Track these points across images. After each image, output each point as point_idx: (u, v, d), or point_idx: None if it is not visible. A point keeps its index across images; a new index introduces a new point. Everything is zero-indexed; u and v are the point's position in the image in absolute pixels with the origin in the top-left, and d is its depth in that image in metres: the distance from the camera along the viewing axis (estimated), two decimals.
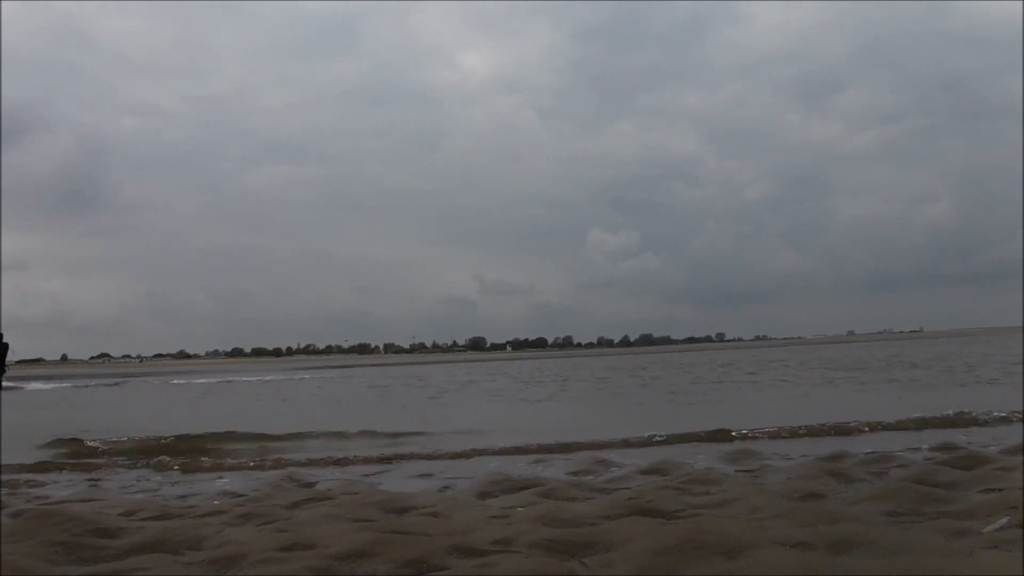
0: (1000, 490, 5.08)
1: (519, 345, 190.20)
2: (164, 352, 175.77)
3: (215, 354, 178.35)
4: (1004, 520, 4.18)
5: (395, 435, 10.39)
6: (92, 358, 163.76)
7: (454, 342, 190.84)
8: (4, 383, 27.58)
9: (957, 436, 8.42)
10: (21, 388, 33.72)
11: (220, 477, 7.73)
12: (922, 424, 9.63)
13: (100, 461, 8.96)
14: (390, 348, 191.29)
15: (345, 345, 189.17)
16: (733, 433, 9.25)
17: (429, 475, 7.41)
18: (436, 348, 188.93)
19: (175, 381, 40.61)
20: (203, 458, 8.76)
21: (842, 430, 9.42)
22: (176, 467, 8.33)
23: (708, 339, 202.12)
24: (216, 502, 6.07)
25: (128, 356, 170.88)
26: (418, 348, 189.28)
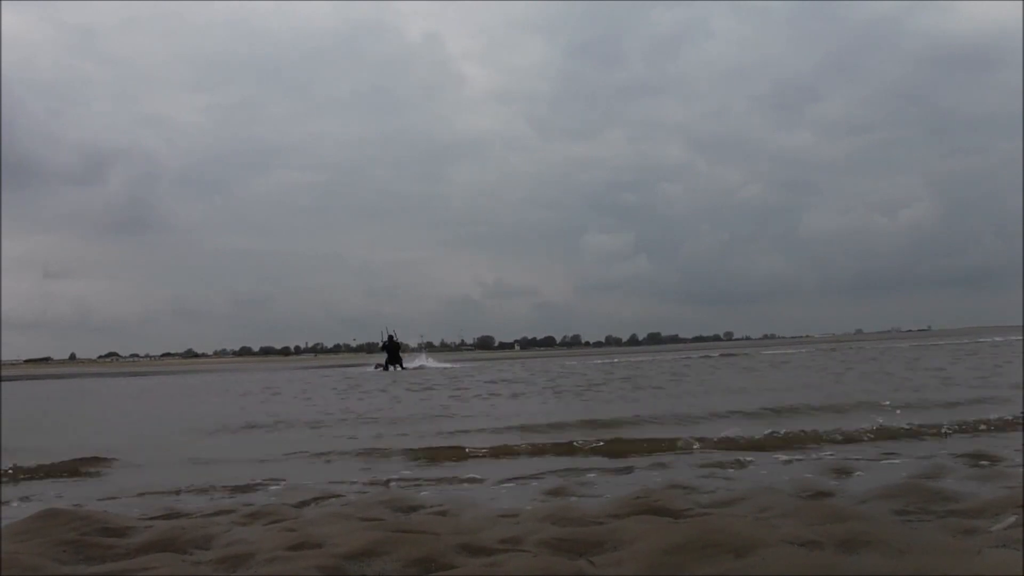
0: (1009, 488, 5.06)
1: (527, 344, 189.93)
2: (172, 351, 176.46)
3: (223, 353, 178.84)
4: (1012, 519, 4.15)
5: None
6: (100, 357, 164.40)
7: (462, 341, 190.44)
8: None
9: None
10: None
11: None
12: None
13: None
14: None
15: (353, 344, 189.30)
16: None
17: None
18: (444, 347, 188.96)
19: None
20: None
21: None
22: None
23: (716, 338, 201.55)
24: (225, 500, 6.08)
25: (136, 355, 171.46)
26: (425, 347, 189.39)
